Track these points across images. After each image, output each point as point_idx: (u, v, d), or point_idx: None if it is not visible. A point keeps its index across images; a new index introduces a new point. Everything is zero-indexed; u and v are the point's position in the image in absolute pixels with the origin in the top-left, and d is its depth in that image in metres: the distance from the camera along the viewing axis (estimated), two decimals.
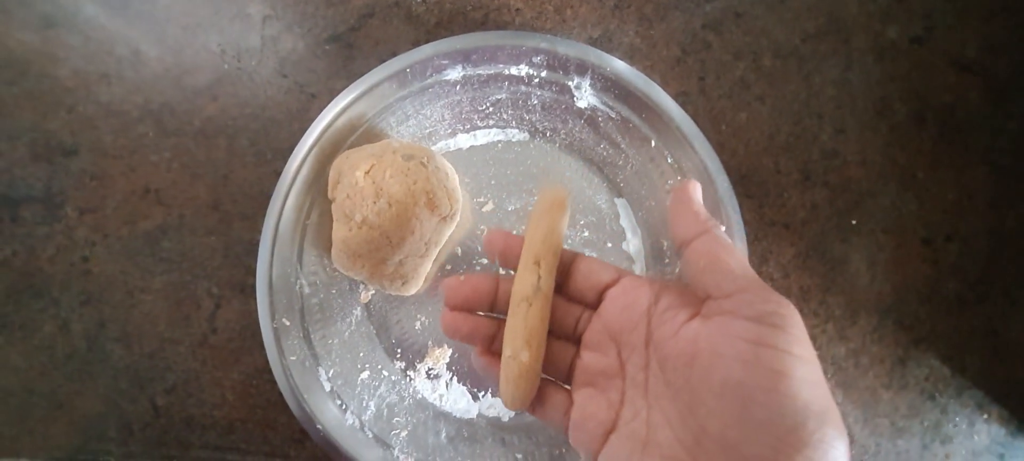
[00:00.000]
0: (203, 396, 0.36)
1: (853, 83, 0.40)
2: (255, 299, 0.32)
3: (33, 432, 0.36)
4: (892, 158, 0.39)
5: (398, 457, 0.32)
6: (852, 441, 0.37)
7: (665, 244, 0.35)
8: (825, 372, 0.37)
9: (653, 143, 0.34)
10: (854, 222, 0.39)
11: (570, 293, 0.27)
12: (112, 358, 0.37)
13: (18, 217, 0.38)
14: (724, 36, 0.40)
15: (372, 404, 0.34)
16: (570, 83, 0.34)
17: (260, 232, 0.32)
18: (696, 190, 0.24)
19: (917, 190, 0.39)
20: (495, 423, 0.35)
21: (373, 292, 0.37)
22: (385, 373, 0.35)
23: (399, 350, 0.36)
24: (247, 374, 0.37)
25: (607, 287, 0.26)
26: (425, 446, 0.33)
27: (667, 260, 0.35)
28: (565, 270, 0.27)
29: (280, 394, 0.31)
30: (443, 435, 0.34)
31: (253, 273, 0.33)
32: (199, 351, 0.37)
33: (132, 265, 0.37)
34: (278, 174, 0.32)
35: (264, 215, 0.32)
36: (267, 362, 0.31)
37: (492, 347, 0.27)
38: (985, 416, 0.37)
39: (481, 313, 0.27)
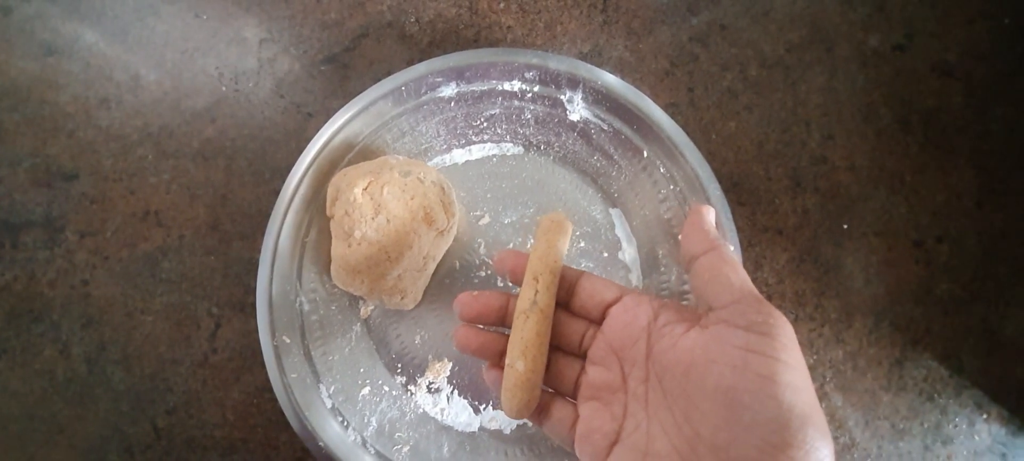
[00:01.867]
0: (204, 417, 0.36)
1: (838, 90, 0.41)
2: (255, 318, 0.32)
3: (34, 458, 0.36)
4: (880, 163, 0.40)
5: None
6: (853, 444, 0.37)
7: (660, 253, 0.36)
8: (824, 375, 0.38)
9: (645, 154, 0.35)
10: (845, 226, 0.39)
11: (576, 310, 0.28)
12: (113, 381, 0.37)
13: (18, 242, 0.38)
14: (711, 48, 0.41)
15: (374, 420, 0.34)
16: (562, 97, 0.35)
17: (259, 251, 0.32)
18: (710, 213, 0.26)
19: (906, 193, 0.40)
20: (497, 436, 0.35)
21: (372, 307, 0.37)
22: (386, 388, 0.35)
23: (399, 365, 0.36)
24: (248, 393, 0.37)
25: (610, 305, 0.26)
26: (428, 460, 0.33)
27: (662, 268, 0.36)
28: (570, 288, 0.28)
29: (281, 413, 0.31)
30: (445, 449, 0.34)
31: (253, 292, 0.33)
32: (199, 371, 0.37)
33: (132, 287, 0.38)
34: (276, 193, 0.33)
35: (263, 234, 0.33)
36: (268, 380, 0.31)
37: (501, 362, 0.27)
38: (985, 416, 0.37)
39: (494, 329, 0.28)
